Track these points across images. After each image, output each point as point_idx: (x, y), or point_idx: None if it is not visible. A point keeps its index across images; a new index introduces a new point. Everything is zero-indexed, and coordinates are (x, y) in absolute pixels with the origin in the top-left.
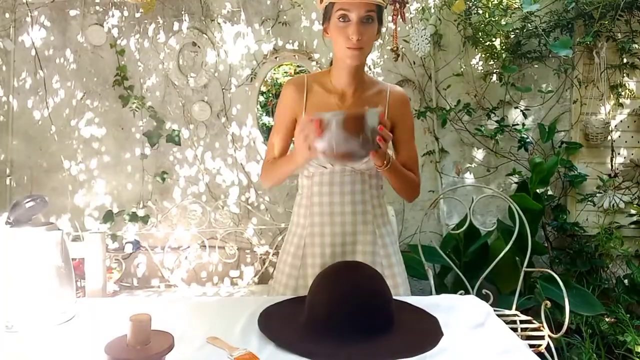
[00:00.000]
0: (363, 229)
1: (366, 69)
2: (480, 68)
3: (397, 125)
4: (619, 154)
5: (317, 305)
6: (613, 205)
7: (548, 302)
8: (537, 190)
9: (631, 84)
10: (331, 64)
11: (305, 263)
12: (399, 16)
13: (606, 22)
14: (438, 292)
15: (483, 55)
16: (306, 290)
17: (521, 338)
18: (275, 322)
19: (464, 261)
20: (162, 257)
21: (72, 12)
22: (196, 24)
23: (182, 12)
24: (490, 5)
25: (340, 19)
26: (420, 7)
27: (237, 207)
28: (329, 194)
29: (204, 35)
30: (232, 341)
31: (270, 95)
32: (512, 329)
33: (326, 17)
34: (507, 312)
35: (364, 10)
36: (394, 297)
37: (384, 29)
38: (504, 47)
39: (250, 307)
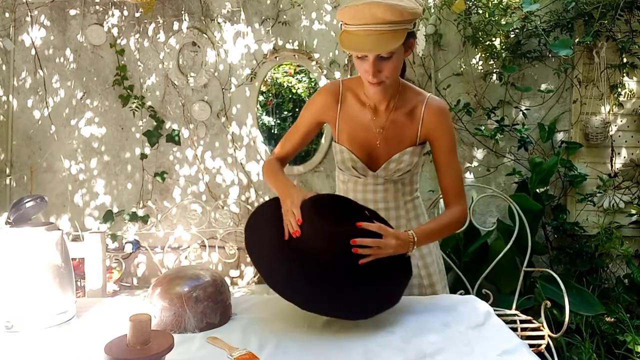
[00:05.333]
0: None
1: None
2: (480, 68)
3: (433, 145)
4: (619, 153)
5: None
6: (613, 205)
7: (548, 302)
8: (537, 190)
9: (631, 84)
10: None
11: None
12: None
13: (606, 22)
14: None
15: (483, 55)
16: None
17: (521, 338)
18: (261, 243)
19: (464, 261)
20: (162, 257)
21: (72, 12)
22: (196, 23)
23: (182, 12)
24: (490, 5)
25: (357, 55)
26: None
27: (237, 207)
28: (362, 200)
29: (204, 35)
30: (232, 341)
31: (270, 95)
32: (512, 328)
33: None
34: (507, 312)
35: None
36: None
37: None
38: (503, 47)
39: (250, 307)
